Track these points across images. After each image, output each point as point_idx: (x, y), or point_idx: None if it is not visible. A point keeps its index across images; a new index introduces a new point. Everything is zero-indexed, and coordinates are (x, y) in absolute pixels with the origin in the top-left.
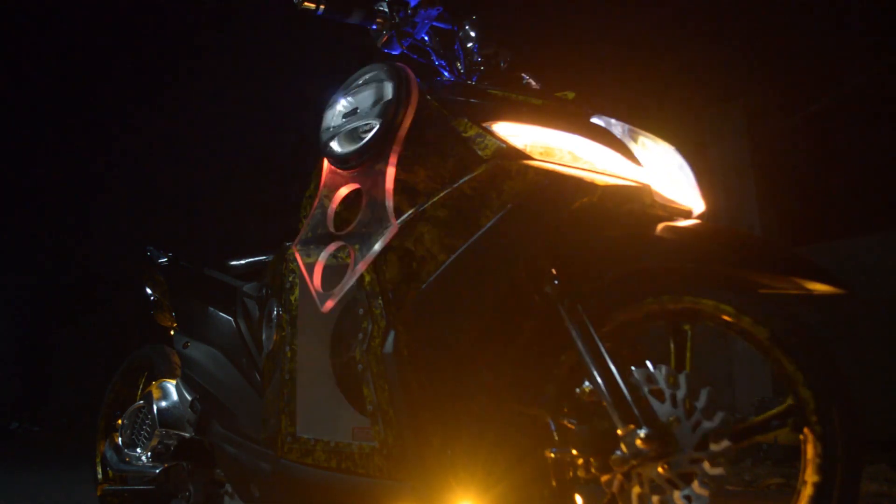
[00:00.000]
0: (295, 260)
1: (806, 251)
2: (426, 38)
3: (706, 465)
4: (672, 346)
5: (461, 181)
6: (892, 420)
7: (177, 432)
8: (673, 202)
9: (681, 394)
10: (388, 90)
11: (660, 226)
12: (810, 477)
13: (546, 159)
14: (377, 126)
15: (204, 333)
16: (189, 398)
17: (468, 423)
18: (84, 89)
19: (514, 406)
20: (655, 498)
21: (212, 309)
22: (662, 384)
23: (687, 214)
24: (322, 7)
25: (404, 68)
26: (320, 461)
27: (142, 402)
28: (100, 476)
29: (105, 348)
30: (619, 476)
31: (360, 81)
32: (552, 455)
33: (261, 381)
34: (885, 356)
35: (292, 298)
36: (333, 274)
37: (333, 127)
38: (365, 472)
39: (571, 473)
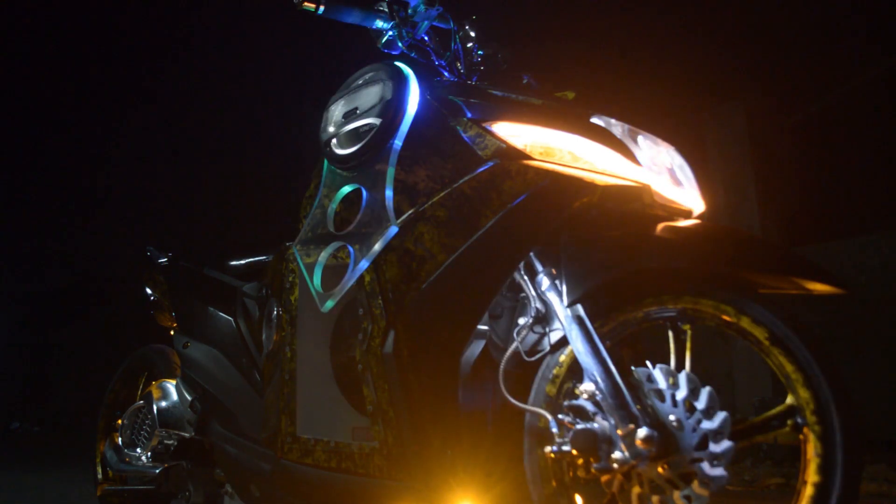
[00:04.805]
0: (295, 260)
1: (806, 251)
2: (426, 38)
3: (706, 465)
4: (672, 346)
5: (461, 181)
6: (892, 420)
7: (177, 432)
8: (673, 202)
9: (681, 394)
10: (388, 90)
11: (660, 226)
12: (810, 477)
13: (546, 159)
14: (377, 126)
15: (204, 333)
16: (189, 398)
17: (468, 423)
18: (84, 89)
19: (514, 406)
20: (655, 498)
21: (212, 309)
22: (662, 384)
23: (687, 214)
24: (322, 7)
25: (404, 68)
26: (320, 461)
27: (142, 402)
28: (100, 476)
29: (105, 348)
30: (619, 476)
31: (360, 81)
32: (552, 455)
33: (261, 381)
34: (885, 356)
35: (292, 298)
36: (333, 274)
37: (333, 127)
38: (365, 472)
39: (571, 473)
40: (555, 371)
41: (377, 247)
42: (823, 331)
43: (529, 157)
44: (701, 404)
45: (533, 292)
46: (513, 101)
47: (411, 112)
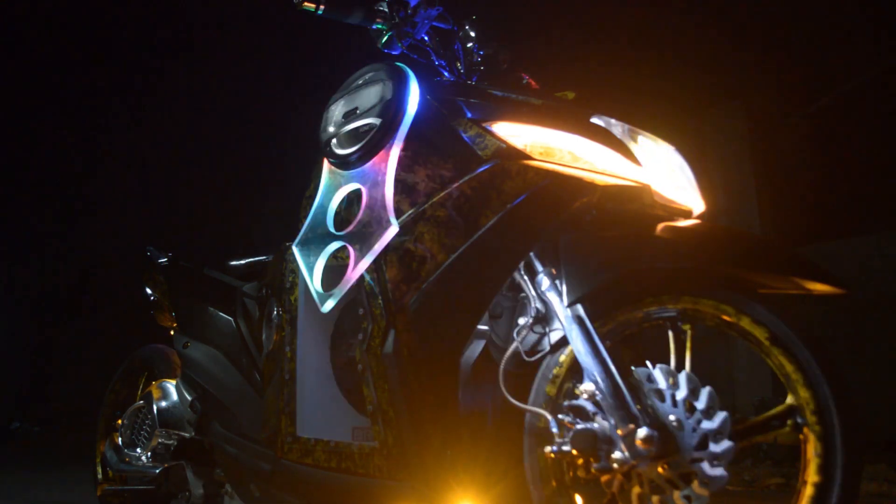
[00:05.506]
0: (295, 260)
1: (806, 251)
2: (426, 38)
3: (706, 465)
4: (672, 346)
5: (461, 181)
6: (892, 420)
7: (177, 432)
8: (673, 202)
9: (681, 394)
10: (388, 90)
11: (660, 226)
12: (810, 477)
13: (546, 159)
14: (377, 126)
15: (204, 333)
16: (189, 398)
17: (468, 423)
18: (84, 88)
19: (514, 406)
20: (655, 498)
21: (212, 309)
22: (662, 384)
23: (687, 214)
24: (322, 7)
25: (404, 68)
26: (320, 461)
27: (142, 402)
28: (100, 476)
29: (105, 348)
30: (619, 476)
31: (360, 81)
32: (552, 455)
33: (261, 381)
34: (885, 356)
35: (292, 298)
36: (333, 274)
37: (333, 127)
38: (365, 472)
39: (571, 473)
40: (555, 371)
41: (377, 247)
42: (823, 331)
43: (529, 157)
44: (701, 404)
45: (533, 292)
46: (513, 101)
47: (411, 112)
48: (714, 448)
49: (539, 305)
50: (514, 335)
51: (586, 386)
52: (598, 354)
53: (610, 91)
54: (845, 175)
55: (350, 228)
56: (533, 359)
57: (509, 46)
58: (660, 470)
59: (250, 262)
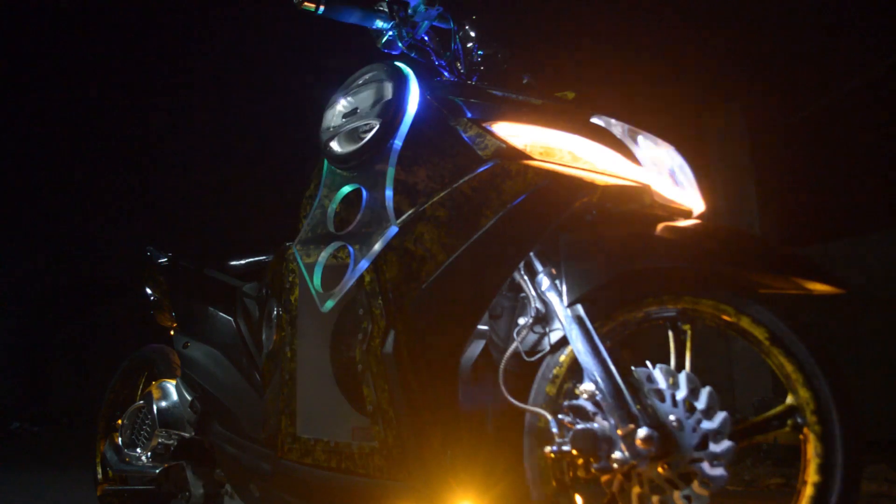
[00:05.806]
0: (295, 260)
1: (806, 251)
2: (426, 38)
3: (706, 465)
4: (672, 346)
5: (461, 181)
6: (892, 420)
7: (177, 432)
8: (673, 202)
9: (681, 394)
10: (388, 90)
11: (660, 226)
12: (810, 477)
13: (546, 159)
14: (377, 126)
15: (204, 333)
16: (189, 398)
17: (468, 423)
18: (84, 89)
19: (514, 406)
20: (655, 498)
21: (212, 309)
22: (662, 384)
23: (687, 214)
24: (322, 7)
25: (404, 68)
26: (320, 461)
27: (142, 402)
28: (100, 476)
29: (105, 348)
30: (619, 476)
31: (360, 81)
32: (552, 455)
33: (261, 381)
34: (885, 356)
35: (292, 298)
36: (333, 274)
37: (333, 127)
38: (365, 472)
39: (571, 473)
40: (555, 371)
41: (377, 247)
42: (823, 331)
43: (529, 157)
44: (701, 404)
45: (533, 292)
46: (513, 101)
47: (411, 112)
48: (714, 448)
49: (539, 305)
50: (514, 335)
51: (586, 386)
52: (598, 354)
53: (610, 91)
54: (845, 175)
55: (350, 228)
56: (533, 359)
57: (509, 46)
58: (660, 470)
59: (250, 262)
